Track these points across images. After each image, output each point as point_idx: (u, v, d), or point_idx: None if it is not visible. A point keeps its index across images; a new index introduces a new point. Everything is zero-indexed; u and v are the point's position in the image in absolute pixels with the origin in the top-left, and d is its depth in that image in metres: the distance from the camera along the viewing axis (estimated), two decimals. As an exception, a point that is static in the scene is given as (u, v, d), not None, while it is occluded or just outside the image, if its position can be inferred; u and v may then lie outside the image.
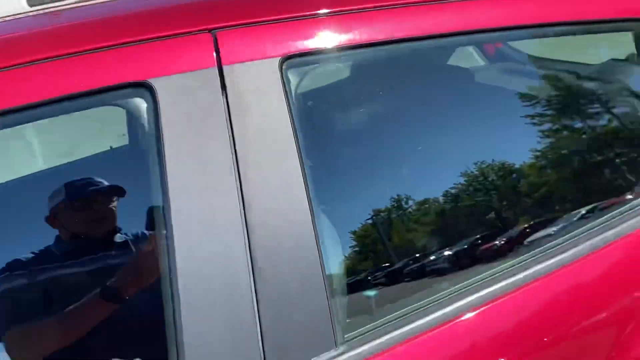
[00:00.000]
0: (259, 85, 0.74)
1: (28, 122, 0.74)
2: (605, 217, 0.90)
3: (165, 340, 0.72)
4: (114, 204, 0.97)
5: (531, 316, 0.83)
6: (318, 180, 0.76)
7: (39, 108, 0.70)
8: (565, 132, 1.08)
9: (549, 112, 1.11)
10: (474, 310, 0.78)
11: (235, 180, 0.72)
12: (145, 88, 0.72)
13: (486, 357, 0.80)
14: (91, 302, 0.88)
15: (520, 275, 0.81)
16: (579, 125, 1.13)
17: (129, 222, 0.87)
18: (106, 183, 0.97)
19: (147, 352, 0.79)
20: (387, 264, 0.91)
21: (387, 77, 0.92)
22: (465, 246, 0.91)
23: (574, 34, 0.97)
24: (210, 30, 0.74)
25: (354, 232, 0.88)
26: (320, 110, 0.94)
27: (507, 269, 0.84)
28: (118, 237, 0.96)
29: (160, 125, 0.71)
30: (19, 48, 0.72)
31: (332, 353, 0.75)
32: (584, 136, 1.07)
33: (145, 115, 0.72)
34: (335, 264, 0.82)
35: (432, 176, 0.94)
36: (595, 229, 0.87)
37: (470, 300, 0.79)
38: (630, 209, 0.89)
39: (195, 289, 0.70)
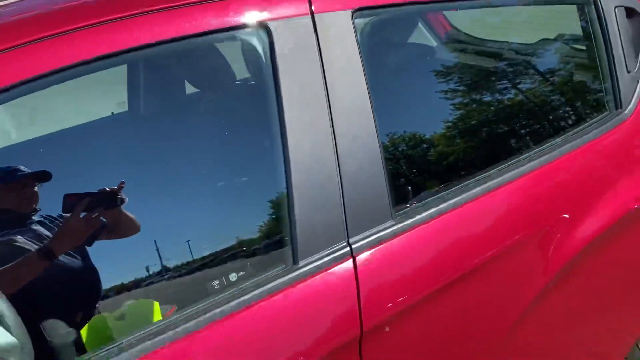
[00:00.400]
0: (338, 30, 1.04)
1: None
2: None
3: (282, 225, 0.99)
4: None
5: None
6: (377, 102, 1.07)
7: (191, 39, 0.95)
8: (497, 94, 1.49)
9: (499, 74, 1.52)
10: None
11: (325, 100, 1.02)
12: (264, 29, 0.99)
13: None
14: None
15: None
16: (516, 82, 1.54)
17: (253, 124, 1.11)
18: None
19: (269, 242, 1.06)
20: (424, 163, 1.24)
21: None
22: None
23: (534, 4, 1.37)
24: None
25: (403, 139, 1.21)
26: (379, 49, 1.26)
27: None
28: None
29: (275, 57, 0.99)
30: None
31: (390, 222, 1.06)
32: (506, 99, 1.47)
33: (264, 49, 0.99)
34: (391, 164, 1.13)
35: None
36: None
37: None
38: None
39: (303, 182, 0.99)
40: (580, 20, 1.34)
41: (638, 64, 1.34)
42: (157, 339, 0.87)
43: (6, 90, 0.81)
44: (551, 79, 1.45)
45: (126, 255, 1.05)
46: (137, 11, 0.91)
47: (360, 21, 1.08)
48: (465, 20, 2.00)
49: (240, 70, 1.22)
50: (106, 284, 1.01)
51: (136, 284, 1.01)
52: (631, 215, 1.31)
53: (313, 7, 1.02)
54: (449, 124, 1.29)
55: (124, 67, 1.50)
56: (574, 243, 1.25)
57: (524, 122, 1.39)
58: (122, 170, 1.10)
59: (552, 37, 1.61)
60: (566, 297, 1.27)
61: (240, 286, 0.96)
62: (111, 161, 1.14)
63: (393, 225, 1.07)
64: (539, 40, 1.68)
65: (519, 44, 1.73)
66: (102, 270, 1.01)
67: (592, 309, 1.35)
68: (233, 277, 0.98)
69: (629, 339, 1.44)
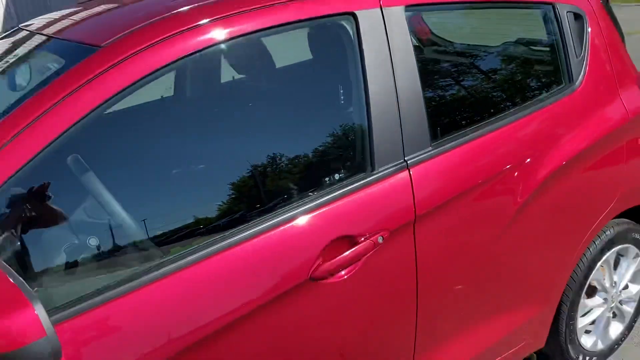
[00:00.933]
0: (396, 21, 1.57)
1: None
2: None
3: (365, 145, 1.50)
4: None
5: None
6: (420, 69, 1.60)
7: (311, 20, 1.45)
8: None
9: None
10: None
11: (390, 65, 1.53)
12: (352, 16, 1.50)
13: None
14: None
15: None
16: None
17: (348, 79, 1.59)
18: None
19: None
20: (446, 113, 1.79)
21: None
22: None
23: (504, 8, 1.95)
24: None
25: (434, 97, 1.74)
26: (425, 40, 1.80)
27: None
28: None
29: (361, 39, 1.50)
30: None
31: (429, 149, 1.59)
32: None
33: (352, 29, 1.50)
34: (429, 111, 1.64)
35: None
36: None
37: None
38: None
39: (378, 117, 1.50)
40: (544, 21, 1.93)
41: (582, 51, 1.94)
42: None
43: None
44: (525, 64, 2.04)
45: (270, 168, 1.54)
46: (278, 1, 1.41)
47: (409, 14, 1.61)
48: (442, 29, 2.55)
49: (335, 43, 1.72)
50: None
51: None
52: (571, 161, 1.88)
53: (381, 2, 1.55)
54: (463, 91, 1.85)
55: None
56: (535, 178, 1.82)
57: (508, 91, 1.97)
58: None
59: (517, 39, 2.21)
60: (534, 212, 1.83)
61: (342, 183, 1.46)
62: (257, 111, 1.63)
63: (430, 151, 1.60)
64: (503, 43, 2.26)
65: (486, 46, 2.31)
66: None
67: (547, 231, 1.92)
68: (336, 177, 1.48)
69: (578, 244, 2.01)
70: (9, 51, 1.71)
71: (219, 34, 1.32)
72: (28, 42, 1.67)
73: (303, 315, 1.40)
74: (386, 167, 1.51)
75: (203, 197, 1.48)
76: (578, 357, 2.26)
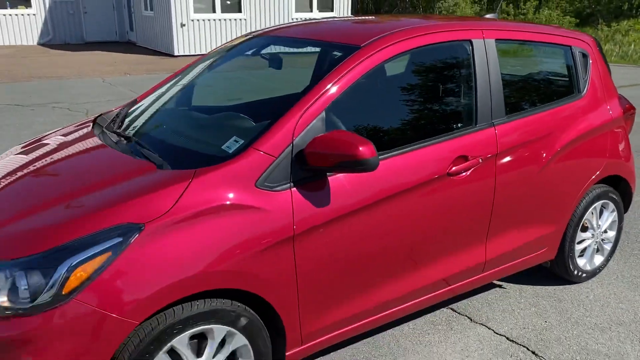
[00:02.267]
0: (490, 47, 2.88)
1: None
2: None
3: (470, 112, 2.79)
4: None
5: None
6: (503, 79, 2.91)
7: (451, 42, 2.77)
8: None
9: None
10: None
11: (487, 74, 2.84)
12: (470, 42, 2.82)
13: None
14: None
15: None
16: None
17: (466, 83, 2.89)
18: None
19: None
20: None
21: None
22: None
23: (544, 46, 3.29)
24: (476, 29, 2.86)
25: (508, 92, 3.06)
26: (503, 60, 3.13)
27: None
28: None
29: (474, 54, 2.81)
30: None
31: (504, 117, 2.89)
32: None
33: (469, 51, 2.82)
34: (505, 96, 2.94)
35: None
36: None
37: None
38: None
39: (480, 96, 2.80)
40: (565, 56, 3.27)
41: (586, 75, 3.28)
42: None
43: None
44: (555, 78, 3.38)
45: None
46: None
47: (497, 43, 2.93)
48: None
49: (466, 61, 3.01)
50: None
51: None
52: (578, 137, 3.19)
53: (484, 36, 2.87)
54: (521, 88, 3.17)
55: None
56: (560, 143, 3.11)
57: (545, 93, 3.30)
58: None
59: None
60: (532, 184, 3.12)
61: (462, 129, 2.74)
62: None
63: (505, 119, 2.90)
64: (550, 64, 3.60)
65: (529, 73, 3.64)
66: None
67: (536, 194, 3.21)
68: (459, 125, 2.76)
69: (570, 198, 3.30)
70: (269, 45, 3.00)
71: (417, 42, 2.62)
72: (280, 43, 2.97)
73: (438, 192, 2.64)
74: (482, 124, 2.81)
75: (399, 130, 2.71)
76: (574, 271, 3.52)
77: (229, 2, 16.12)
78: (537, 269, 3.67)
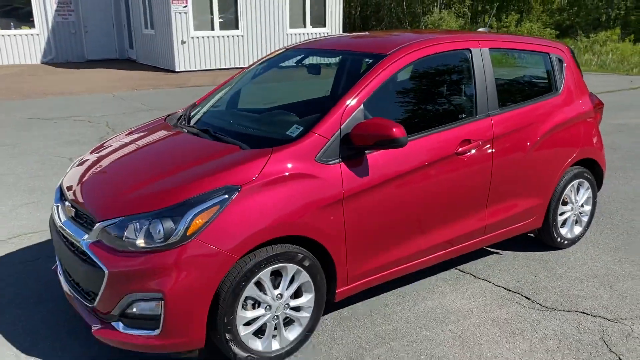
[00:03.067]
0: (485, 54, 3.64)
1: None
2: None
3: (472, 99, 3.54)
4: None
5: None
6: (496, 78, 3.66)
7: (455, 51, 3.52)
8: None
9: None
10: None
11: (483, 74, 3.59)
12: (469, 51, 3.57)
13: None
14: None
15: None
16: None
17: (468, 85, 3.62)
18: None
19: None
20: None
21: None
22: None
23: (527, 53, 4.06)
24: (474, 41, 3.61)
25: (500, 88, 3.81)
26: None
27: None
28: None
29: (472, 60, 3.56)
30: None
31: (498, 110, 3.64)
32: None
33: (469, 58, 3.56)
34: (498, 92, 3.69)
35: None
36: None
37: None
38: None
39: (479, 93, 3.55)
40: (544, 61, 4.04)
41: (562, 76, 4.05)
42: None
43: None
44: (537, 79, 4.14)
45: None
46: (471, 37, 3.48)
47: (492, 52, 3.69)
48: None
49: (467, 66, 3.75)
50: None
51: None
52: (556, 126, 3.94)
53: (480, 45, 3.63)
54: (510, 86, 3.93)
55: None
56: (543, 129, 3.87)
57: (530, 90, 4.06)
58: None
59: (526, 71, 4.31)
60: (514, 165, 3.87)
61: (466, 118, 3.48)
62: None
63: (498, 111, 3.65)
64: (534, 68, 4.36)
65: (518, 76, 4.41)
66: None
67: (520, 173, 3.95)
68: (463, 116, 3.50)
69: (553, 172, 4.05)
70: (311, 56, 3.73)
71: (430, 51, 3.36)
72: (324, 53, 3.70)
73: (449, 168, 3.36)
74: (481, 115, 3.55)
75: (418, 119, 3.44)
76: (558, 239, 4.26)
77: (221, 20, 16.90)
78: (528, 239, 4.41)
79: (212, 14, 16.59)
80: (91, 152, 3.53)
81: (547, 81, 4.09)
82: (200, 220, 2.54)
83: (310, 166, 2.83)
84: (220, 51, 16.96)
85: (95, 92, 12.82)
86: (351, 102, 3.02)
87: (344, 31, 21.82)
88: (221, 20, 16.78)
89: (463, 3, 32.58)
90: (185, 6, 15.87)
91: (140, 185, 2.78)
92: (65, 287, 3.08)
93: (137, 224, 2.56)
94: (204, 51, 16.66)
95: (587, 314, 3.40)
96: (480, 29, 4.40)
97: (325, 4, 18.59)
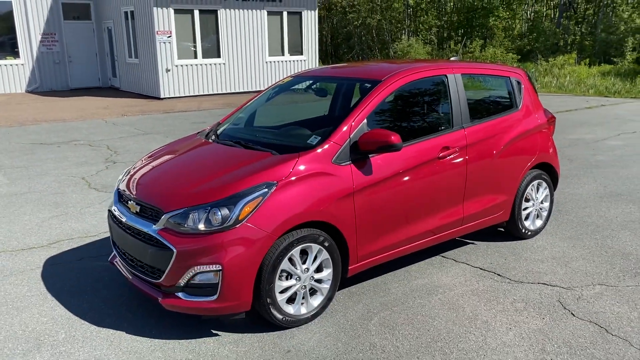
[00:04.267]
0: (459, 79, 4.51)
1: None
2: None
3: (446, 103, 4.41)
4: None
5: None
6: (467, 99, 4.54)
7: (437, 77, 4.39)
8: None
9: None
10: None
11: (457, 95, 4.47)
12: (446, 76, 4.44)
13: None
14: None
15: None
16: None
17: (444, 102, 4.48)
18: None
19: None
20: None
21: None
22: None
23: (491, 77, 4.97)
24: (449, 68, 4.49)
25: (470, 106, 4.69)
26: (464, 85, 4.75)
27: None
28: None
29: (448, 84, 4.43)
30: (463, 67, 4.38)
31: (470, 123, 4.51)
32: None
33: (445, 82, 4.43)
34: (469, 109, 4.57)
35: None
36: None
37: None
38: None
39: (454, 109, 4.43)
40: (506, 83, 4.95)
41: (521, 94, 4.96)
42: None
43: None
44: (500, 98, 5.03)
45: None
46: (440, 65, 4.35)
47: (463, 77, 4.57)
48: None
49: (444, 88, 4.61)
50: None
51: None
52: (517, 136, 4.83)
53: (454, 72, 4.51)
54: (479, 105, 4.81)
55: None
56: (506, 139, 4.75)
57: (495, 107, 4.94)
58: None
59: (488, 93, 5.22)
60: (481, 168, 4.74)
61: (443, 130, 4.34)
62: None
63: (470, 124, 4.52)
64: (496, 89, 5.27)
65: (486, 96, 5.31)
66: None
67: (487, 176, 4.83)
68: (442, 128, 4.36)
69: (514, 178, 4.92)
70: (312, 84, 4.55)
71: (415, 77, 4.21)
72: (326, 80, 4.53)
73: (433, 169, 4.19)
74: (456, 127, 4.40)
75: (408, 130, 4.24)
76: (522, 230, 5.12)
77: (192, 49, 17.73)
78: (498, 232, 5.26)
79: (194, 42, 17.41)
80: (142, 162, 4.26)
81: (508, 99, 4.99)
82: (248, 208, 3.29)
83: (328, 167, 3.62)
84: (203, 78, 17.74)
85: (87, 119, 13.43)
86: (357, 117, 3.84)
87: (319, 59, 22.84)
88: (203, 48, 17.60)
89: (430, 30, 34.18)
90: (169, 36, 16.66)
91: (196, 184, 3.52)
92: (126, 272, 3.78)
93: (197, 213, 3.31)
94: (187, 78, 17.42)
95: (547, 285, 4.23)
96: (452, 58, 5.30)
97: (301, 33, 19.61)
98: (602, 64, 27.63)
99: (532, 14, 39.87)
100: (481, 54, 27.67)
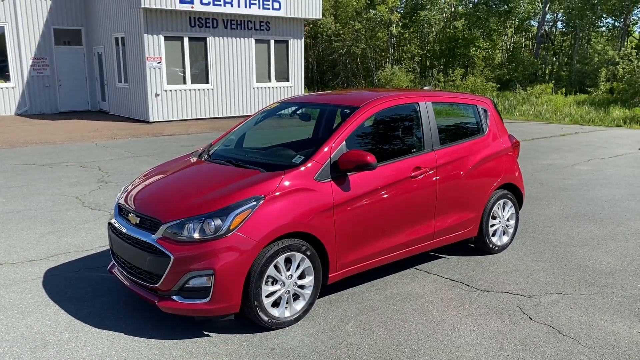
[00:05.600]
0: (429, 107, 4.99)
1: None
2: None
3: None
4: None
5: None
6: (437, 124, 5.02)
7: (409, 104, 4.86)
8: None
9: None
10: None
11: (428, 121, 4.94)
12: (417, 104, 4.92)
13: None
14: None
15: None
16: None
17: (417, 125, 4.94)
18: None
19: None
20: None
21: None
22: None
23: (459, 105, 5.46)
24: (420, 97, 4.98)
25: (441, 131, 5.16)
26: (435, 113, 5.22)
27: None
28: None
29: (420, 111, 4.91)
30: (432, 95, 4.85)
31: (440, 146, 4.98)
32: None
33: (418, 110, 4.91)
34: (439, 134, 5.05)
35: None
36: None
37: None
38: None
39: (425, 133, 4.90)
40: (474, 111, 5.44)
41: (487, 121, 5.45)
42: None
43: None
44: (468, 124, 5.52)
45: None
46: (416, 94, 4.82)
47: (433, 105, 5.05)
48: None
49: (416, 115, 5.08)
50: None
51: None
52: (483, 159, 5.30)
53: (425, 100, 4.99)
54: (449, 130, 5.28)
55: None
56: (473, 161, 5.23)
57: (464, 132, 5.42)
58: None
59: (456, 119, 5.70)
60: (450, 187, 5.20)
61: (415, 152, 4.79)
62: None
63: (441, 147, 4.98)
64: (465, 116, 5.76)
65: (456, 122, 5.79)
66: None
67: (457, 192, 5.29)
68: (414, 150, 4.81)
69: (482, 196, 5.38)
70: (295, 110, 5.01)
71: (390, 104, 4.67)
72: (311, 106, 4.99)
73: (405, 187, 4.62)
74: (427, 149, 4.86)
75: (383, 152, 4.69)
76: (490, 245, 5.56)
77: (180, 74, 18.20)
78: (468, 248, 5.69)
79: (184, 68, 17.89)
80: (139, 179, 4.65)
81: (476, 125, 5.48)
82: (238, 219, 3.69)
83: (310, 183, 4.04)
84: (191, 103, 18.19)
85: (77, 141, 13.75)
86: (337, 139, 4.28)
87: (305, 85, 23.45)
88: (195, 72, 18.09)
89: (412, 59, 35.14)
90: (159, 62, 17.13)
91: (191, 197, 3.92)
92: (124, 279, 4.14)
93: (192, 223, 3.69)
94: (176, 103, 17.85)
95: (509, 293, 4.66)
96: (425, 87, 5.79)
97: (288, 60, 20.22)
98: (578, 94, 28.65)
99: (512, 44, 41.17)
100: (462, 83, 28.54)
